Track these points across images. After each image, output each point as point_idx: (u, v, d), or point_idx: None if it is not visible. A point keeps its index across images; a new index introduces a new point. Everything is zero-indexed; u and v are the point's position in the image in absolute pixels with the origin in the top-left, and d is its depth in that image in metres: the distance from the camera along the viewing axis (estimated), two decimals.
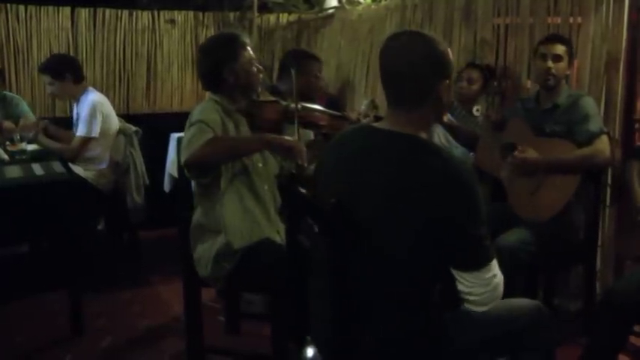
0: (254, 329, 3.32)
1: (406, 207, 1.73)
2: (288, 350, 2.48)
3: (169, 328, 3.54)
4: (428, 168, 1.74)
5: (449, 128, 3.36)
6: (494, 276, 1.81)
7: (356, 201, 1.78)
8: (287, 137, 2.64)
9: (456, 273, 1.81)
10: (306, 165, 2.55)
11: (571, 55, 3.17)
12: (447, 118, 3.26)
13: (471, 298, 1.82)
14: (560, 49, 3.12)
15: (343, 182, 1.86)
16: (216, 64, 2.71)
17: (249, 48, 2.78)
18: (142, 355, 3.26)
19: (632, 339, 3.11)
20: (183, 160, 2.52)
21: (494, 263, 1.82)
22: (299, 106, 2.80)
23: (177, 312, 3.60)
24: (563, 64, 3.12)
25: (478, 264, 1.78)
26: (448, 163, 1.75)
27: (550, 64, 3.12)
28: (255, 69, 2.78)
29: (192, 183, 2.78)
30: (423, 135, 1.86)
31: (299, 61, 3.54)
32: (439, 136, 3.66)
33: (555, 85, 3.14)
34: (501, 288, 1.85)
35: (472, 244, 1.77)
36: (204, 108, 2.68)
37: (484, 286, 1.80)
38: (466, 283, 1.80)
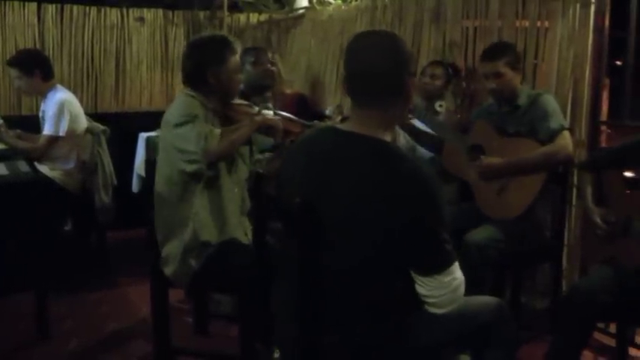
0: (223, 330, 3.31)
1: (369, 210, 1.73)
2: (256, 351, 2.47)
3: (137, 329, 3.50)
4: (390, 171, 1.74)
5: (410, 132, 3.40)
6: (454, 279, 1.82)
7: (320, 203, 1.78)
8: (269, 117, 2.81)
9: (416, 277, 1.81)
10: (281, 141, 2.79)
11: (514, 62, 3.17)
12: (409, 121, 3.30)
13: (431, 300, 1.83)
14: (496, 65, 3.14)
15: (307, 184, 1.86)
16: (202, 64, 2.73)
17: (237, 56, 2.80)
18: (108, 358, 3.22)
19: (596, 335, 3.18)
20: (203, 159, 2.59)
21: (455, 266, 1.82)
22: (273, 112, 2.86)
23: (145, 313, 3.57)
24: (504, 79, 3.14)
25: (438, 267, 1.79)
26: (411, 167, 1.76)
27: (492, 84, 3.17)
28: (239, 77, 2.83)
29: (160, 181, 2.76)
30: (387, 136, 1.85)
31: (251, 55, 3.66)
32: (405, 137, 3.69)
33: (507, 95, 3.19)
34: (461, 290, 1.86)
35: (433, 248, 1.78)
36: (185, 103, 2.69)
37: (443, 288, 1.81)
38: (425, 286, 1.81)
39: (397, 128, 3.67)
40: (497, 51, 3.21)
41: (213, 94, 2.76)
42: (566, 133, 3.06)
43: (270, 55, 4.31)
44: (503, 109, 3.25)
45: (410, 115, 3.32)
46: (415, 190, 1.72)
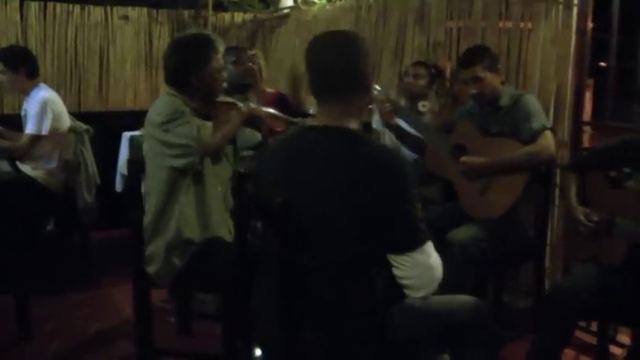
0: (206, 330, 3.29)
1: (342, 200, 1.78)
2: (238, 350, 2.47)
3: (120, 330, 3.48)
4: (358, 156, 1.80)
5: (396, 132, 3.41)
6: (429, 256, 1.85)
7: (297, 201, 1.81)
8: (258, 108, 2.87)
9: (391, 259, 1.84)
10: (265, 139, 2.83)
11: (492, 65, 3.18)
12: (395, 121, 3.31)
13: (408, 282, 1.84)
14: (474, 70, 3.15)
15: (285, 183, 1.90)
16: (186, 64, 2.72)
17: (220, 55, 2.79)
18: (90, 359, 3.20)
19: (578, 333, 3.20)
20: (196, 151, 2.61)
21: (429, 245, 1.85)
22: (253, 107, 2.84)
23: (128, 314, 3.55)
24: (484, 83, 3.16)
25: (411, 245, 1.82)
26: (377, 149, 1.84)
27: (473, 89, 3.19)
28: (222, 76, 2.82)
29: (147, 181, 2.75)
30: (354, 125, 1.92)
31: (232, 54, 3.68)
32: (390, 137, 3.70)
33: (490, 97, 3.20)
34: (438, 271, 1.88)
35: (404, 226, 1.81)
36: (169, 102, 2.69)
37: (419, 267, 1.83)
38: (401, 267, 1.83)
39: (382, 128, 3.69)
40: (474, 56, 3.23)
41: (196, 94, 2.75)
42: (549, 133, 3.08)
43: (253, 52, 4.31)
44: (486, 110, 3.26)
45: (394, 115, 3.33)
46: (380, 171, 1.78)
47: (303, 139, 1.94)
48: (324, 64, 1.90)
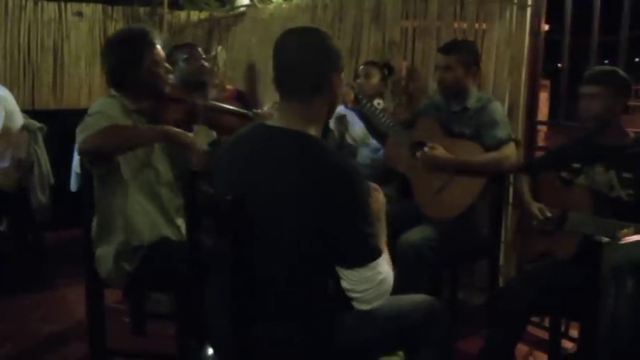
0: (161, 330, 3.24)
1: (293, 204, 1.75)
2: (191, 349, 2.45)
3: (73, 332, 3.43)
4: (314, 165, 1.76)
5: (365, 119, 3.39)
6: (379, 273, 1.82)
7: (250, 199, 1.79)
8: (188, 134, 2.58)
9: (339, 270, 1.82)
10: (198, 168, 2.52)
11: (469, 62, 3.21)
12: (366, 108, 3.29)
13: (355, 295, 1.83)
14: (449, 59, 3.18)
15: (237, 182, 1.87)
16: (122, 63, 2.62)
17: (158, 48, 2.67)
18: None
19: (530, 329, 3.26)
20: (78, 147, 2.44)
21: (381, 261, 1.83)
22: (208, 104, 2.78)
23: (81, 315, 3.45)
24: (453, 74, 3.17)
25: (361, 261, 1.80)
26: (335, 159, 1.78)
27: (441, 74, 3.22)
28: (162, 70, 2.70)
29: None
30: (313, 130, 1.87)
31: (184, 52, 3.64)
32: (351, 136, 3.71)
33: (454, 92, 3.22)
34: (387, 286, 1.86)
35: (355, 242, 1.79)
36: (104, 103, 2.61)
37: (367, 282, 1.81)
38: (348, 280, 1.82)
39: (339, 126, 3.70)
40: (454, 46, 3.26)
41: (139, 93, 2.66)
42: (512, 144, 3.12)
43: (218, 50, 4.29)
44: (453, 109, 3.27)
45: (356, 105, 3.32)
46: (336, 183, 1.74)
47: (261, 138, 1.90)
48: (292, 62, 1.85)
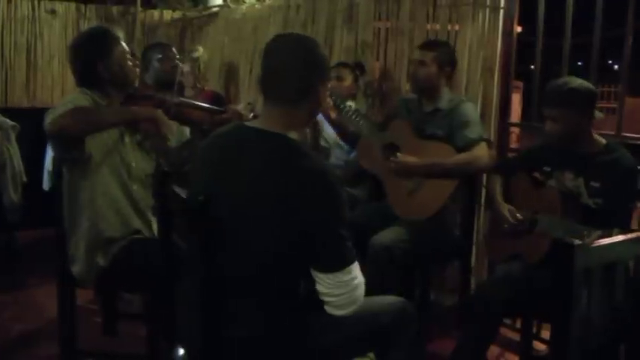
0: (132, 330, 3.22)
1: (270, 206, 1.76)
2: (161, 350, 2.44)
3: (44, 331, 3.40)
4: (294, 168, 1.77)
5: (337, 126, 3.40)
6: (354, 278, 1.84)
7: (225, 199, 1.80)
8: (150, 108, 2.61)
9: (315, 274, 1.83)
10: (168, 137, 2.60)
11: (444, 61, 3.21)
12: (335, 117, 3.29)
13: (330, 299, 1.84)
14: (425, 55, 3.19)
15: (214, 181, 1.87)
16: (89, 61, 2.64)
17: (122, 42, 2.72)
18: None
19: (502, 330, 3.28)
20: (46, 128, 2.43)
21: (355, 266, 1.84)
22: (177, 100, 2.78)
23: (52, 315, 3.41)
24: (426, 70, 3.18)
25: (337, 265, 1.81)
26: (312, 164, 1.79)
27: (414, 69, 3.24)
28: (130, 63, 2.73)
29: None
30: (293, 134, 1.89)
31: (158, 51, 3.63)
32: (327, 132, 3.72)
33: (425, 88, 3.23)
34: (361, 291, 1.87)
35: (332, 246, 1.80)
36: (75, 97, 2.61)
37: (342, 287, 1.82)
38: (325, 284, 1.82)
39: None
40: (432, 44, 3.30)
41: (110, 88, 2.68)
42: (484, 144, 3.11)
43: (199, 52, 4.27)
44: (425, 109, 3.27)
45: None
46: (314, 187, 1.75)
47: (240, 139, 1.90)
48: (280, 66, 1.86)
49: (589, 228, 2.33)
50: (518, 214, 2.70)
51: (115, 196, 2.63)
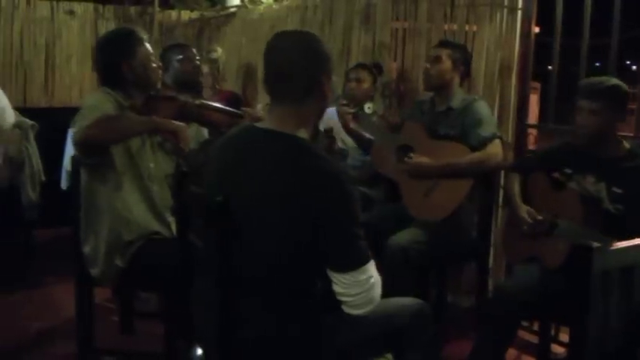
0: (149, 328, 3.24)
1: (284, 206, 1.76)
2: (179, 349, 2.45)
3: (61, 330, 3.41)
4: (304, 168, 1.77)
5: (354, 137, 3.41)
6: (370, 277, 1.83)
7: (237, 201, 1.80)
8: (174, 122, 2.61)
9: (331, 274, 1.83)
10: (186, 150, 2.61)
11: (458, 60, 3.21)
12: (354, 126, 3.30)
13: (346, 299, 1.83)
14: (440, 51, 3.21)
15: (227, 182, 1.88)
16: (114, 60, 2.67)
17: (146, 43, 2.74)
18: (31, 359, 3.13)
19: (520, 332, 3.24)
20: (73, 137, 2.46)
21: (370, 265, 1.84)
22: (198, 102, 2.79)
23: (70, 313, 3.44)
24: (440, 67, 3.19)
25: (353, 265, 1.80)
26: (324, 163, 1.79)
27: (427, 65, 3.24)
28: (154, 64, 2.75)
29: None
30: (303, 133, 1.88)
31: (178, 52, 3.63)
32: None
33: (437, 85, 3.23)
34: (378, 290, 1.87)
35: (346, 245, 1.80)
36: (98, 98, 2.64)
37: (359, 286, 1.82)
38: (341, 284, 1.82)
39: (337, 131, 3.71)
40: (448, 42, 3.33)
41: (133, 89, 2.70)
42: (498, 142, 3.10)
43: (219, 51, 4.29)
44: (438, 109, 3.27)
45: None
46: (326, 186, 1.75)
47: (250, 140, 1.90)
48: (282, 64, 1.86)
49: (610, 239, 2.30)
50: (537, 216, 2.67)
51: (135, 197, 2.64)
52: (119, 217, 2.60)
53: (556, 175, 2.74)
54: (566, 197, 2.65)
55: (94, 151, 2.53)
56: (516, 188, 2.86)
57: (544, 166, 2.81)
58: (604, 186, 2.58)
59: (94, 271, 2.65)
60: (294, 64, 1.84)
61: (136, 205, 2.64)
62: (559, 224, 2.59)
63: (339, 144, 3.77)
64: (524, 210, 2.73)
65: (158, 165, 2.75)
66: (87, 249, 2.66)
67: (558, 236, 2.58)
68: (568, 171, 2.71)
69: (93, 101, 2.60)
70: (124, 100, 2.67)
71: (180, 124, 2.60)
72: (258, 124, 1.95)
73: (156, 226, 2.69)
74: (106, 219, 2.60)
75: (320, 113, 1.98)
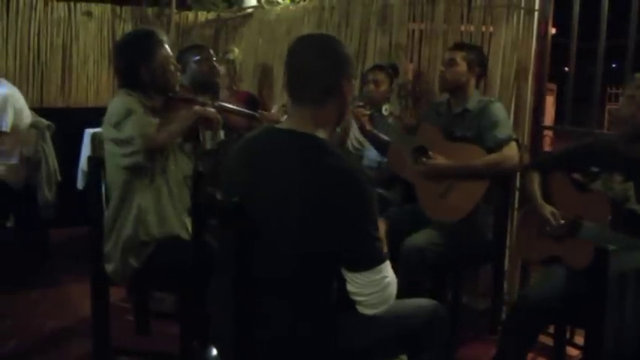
0: (165, 329, 3.25)
1: (302, 206, 1.76)
2: (193, 349, 2.45)
3: (77, 329, 3.43)
4: (322, 167, 1.77)
5: (370, 139, 3.41)
6: (385, 277, 1.83)
7: (257, 201, 1.80)
8: (210, 109, 2.72)
9: (346, 274, 1.83)
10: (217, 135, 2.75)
11: (473, 61, 3.21)
12: (370, 128, 3.30)
13: (360, 299, 1.83)
14: (455, 54, 3.20)
15: (246, 183, 1.88)
16: (133, 62, 2.68)
17: (166, 45, 2.75)
18: (47, 358, 3.15)
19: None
20: (145, 144, 2.53)
21: (386, 265, 1.84)
22: (216, 104, 2.81)
23: (85, 312, 3.47)
24: (455, 70, 3.19)
25: (368, 264, 1.80)
26: (342, 163, 1.79)
27: (442, 68, 3.24)
28: (173, 67, 2.77)
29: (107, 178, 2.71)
30: (322, 134, 1.89)
31: (195, 53, 3.65)
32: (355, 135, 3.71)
33: (453, 88, 3.23)
34: (392, 290, 1.87)
35: (361, 245, 1.80)
36: (122, 101, 2.65)
37: (373, 286, 1.82)
38: (355, 283, 1.82)
39: (352, 133, 3.70)
40: (463, 45, 3.33)
41: (151, 90, 2.71)
42: (514, 144, 3.10)
43: (235, 51, 4.30)
44: (454, 111, 3.27)
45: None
46: (343, 185, 1.75)
47: (270, 141, 1.91)
48: (303, 66, 1.88)
49: (636, 241, 2.27)
50: (561, 216, 2.63)
51: (161, 198, 2.67)
52: (141, 218, 2.62)
53: (576, 176, 2.71)
54: (592, 199, 2.62)
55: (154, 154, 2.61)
56: (537, 187, 2.82)
57: (566, 166, 2.77)
58: (632, 185, 2.54)
59: (110, 269, 2.67)
60: (315, 65, 1.86)
61: (159, 206, 2.66)
62: (583, 226, 2.56)
63: (355, 144, 3.77)
64: (548, 210, 2.69)
65: (178, 166, 2.76)
66: (107, 247, 2.68)
67: (581, 237, 2.54)
68: (595, 169, 2.66)
69: (122, 105, 2.62)
70: (146, 101, 2.70)
71: (212, 110, 2.70)
72: (278, 126, 1.96)
73: (176, 228, 2.70)
74: (132, 220, 2.62)
75: (341, 115, 1.98)
